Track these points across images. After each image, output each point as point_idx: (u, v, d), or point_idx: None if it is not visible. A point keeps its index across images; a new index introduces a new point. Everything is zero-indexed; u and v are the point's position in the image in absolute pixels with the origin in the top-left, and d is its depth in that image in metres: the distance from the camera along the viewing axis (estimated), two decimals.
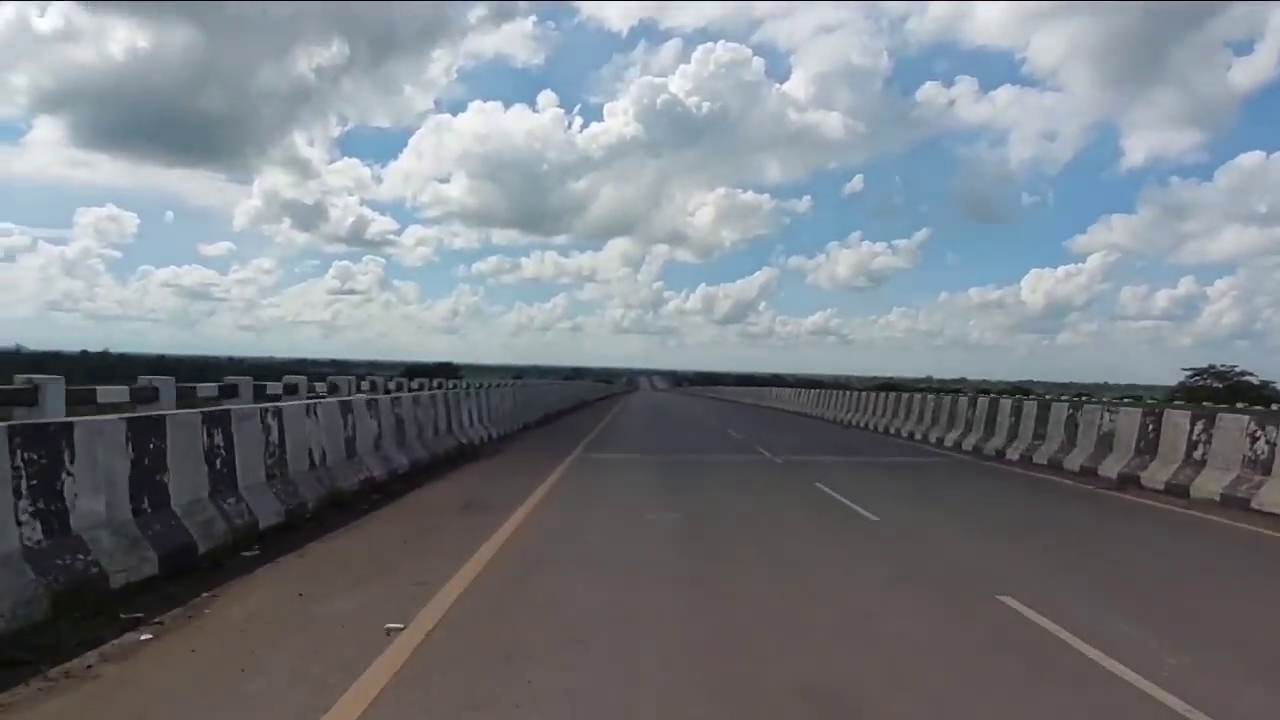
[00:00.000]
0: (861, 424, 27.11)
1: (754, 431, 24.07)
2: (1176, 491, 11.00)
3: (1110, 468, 12.63)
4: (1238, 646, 5.02)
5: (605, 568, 6.53)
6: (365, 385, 17.65)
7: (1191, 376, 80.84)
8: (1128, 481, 12.00)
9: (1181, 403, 34.63)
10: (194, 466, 6.67)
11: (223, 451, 7.12)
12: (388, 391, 18.28)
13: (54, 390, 6.98)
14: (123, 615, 4.96)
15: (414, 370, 48.56)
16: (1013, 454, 15.69)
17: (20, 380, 6.95)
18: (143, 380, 8.62)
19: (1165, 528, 9.34)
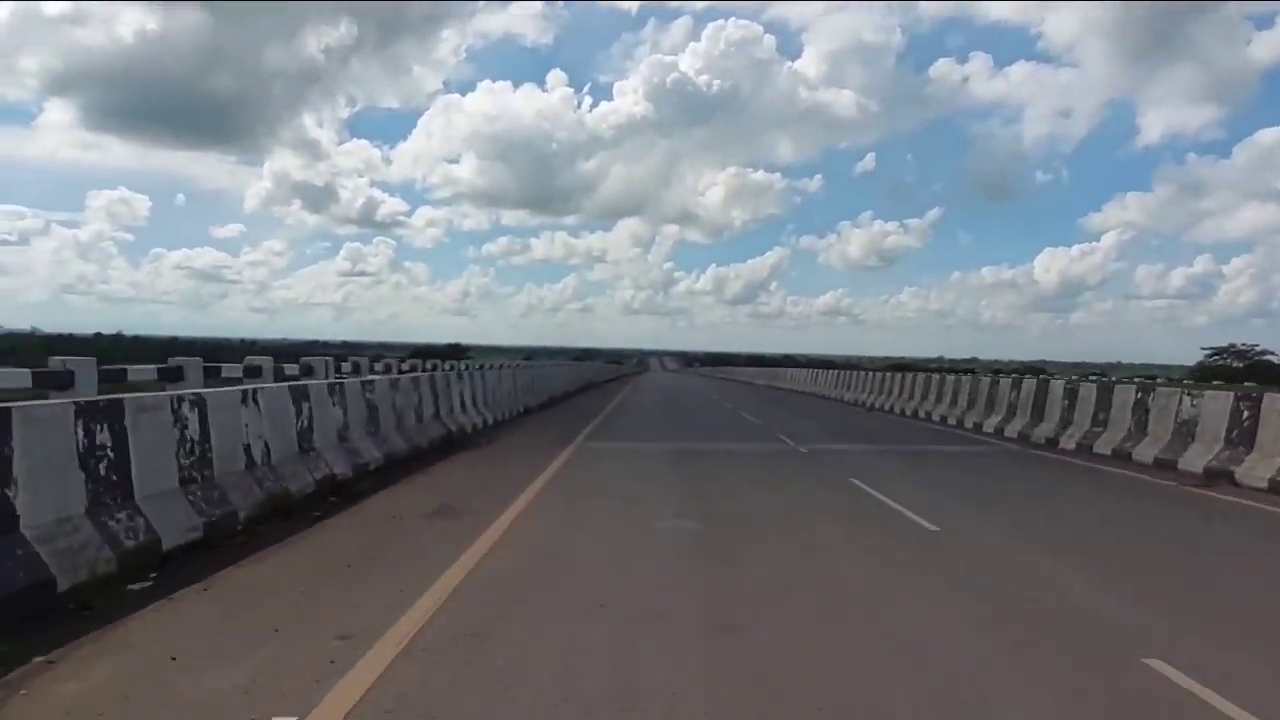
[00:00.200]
0: (885, 407, 25.39)
1: (772, 416, 22.41)
2: None
3: (1194, 461, 10.92)
4: None
5: (601, 612, 4.89)
6: (347, 366, 16.12)
7: (1211, 355, 78.96)
8: (1218, 477, 10.29)
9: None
10: (61, 474, 5.08)
11: (109, 453, 5.51)
12: (375, 372, 16.84)
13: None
14: None
15: (423, 352, 47.28)
16: (1067, 442, 13.98)
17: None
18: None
19: None
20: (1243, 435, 10.31)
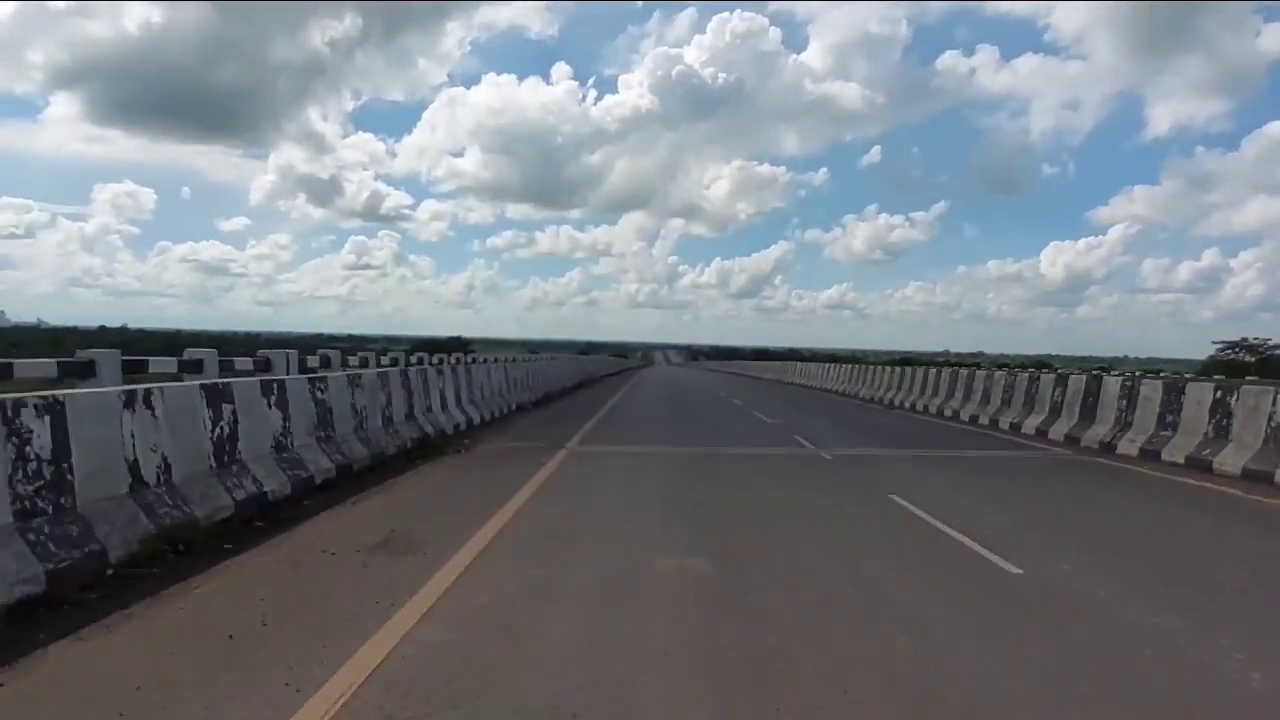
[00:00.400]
0: (906, 404, 23.70)
1: (784, 414, 20.74)
2: None
3: None
4: None
5: None
6: (315, 361, 14.51)
7: (1223, 349, 77.25)
8: None
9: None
10: None
11: None
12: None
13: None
14: None
15: (425, 345, 45.97)
16: (1127, 447, 12.27)
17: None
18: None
19: None
20: None
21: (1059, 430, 14.38)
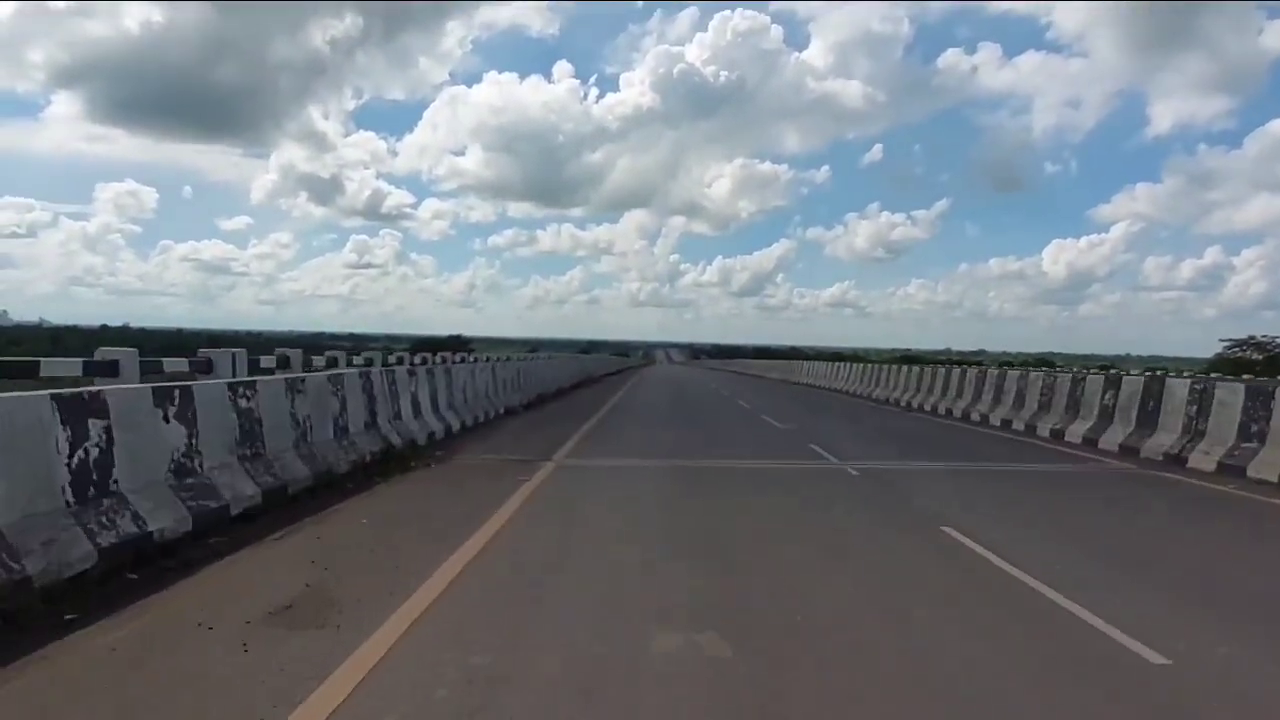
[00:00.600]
0: (926, 407, 22.05)
1: (796, 418, 19.10)
2: None
3: None
4: None
5: None
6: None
7: (1230, 347, 75.80)
8: None
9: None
10: None
11: None
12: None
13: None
14: None
15: (426, 343, 44.63)
16: (1201, 461, 10.62)
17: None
18: None
19: None
20: None
21: (1111, 439, 12.72)
